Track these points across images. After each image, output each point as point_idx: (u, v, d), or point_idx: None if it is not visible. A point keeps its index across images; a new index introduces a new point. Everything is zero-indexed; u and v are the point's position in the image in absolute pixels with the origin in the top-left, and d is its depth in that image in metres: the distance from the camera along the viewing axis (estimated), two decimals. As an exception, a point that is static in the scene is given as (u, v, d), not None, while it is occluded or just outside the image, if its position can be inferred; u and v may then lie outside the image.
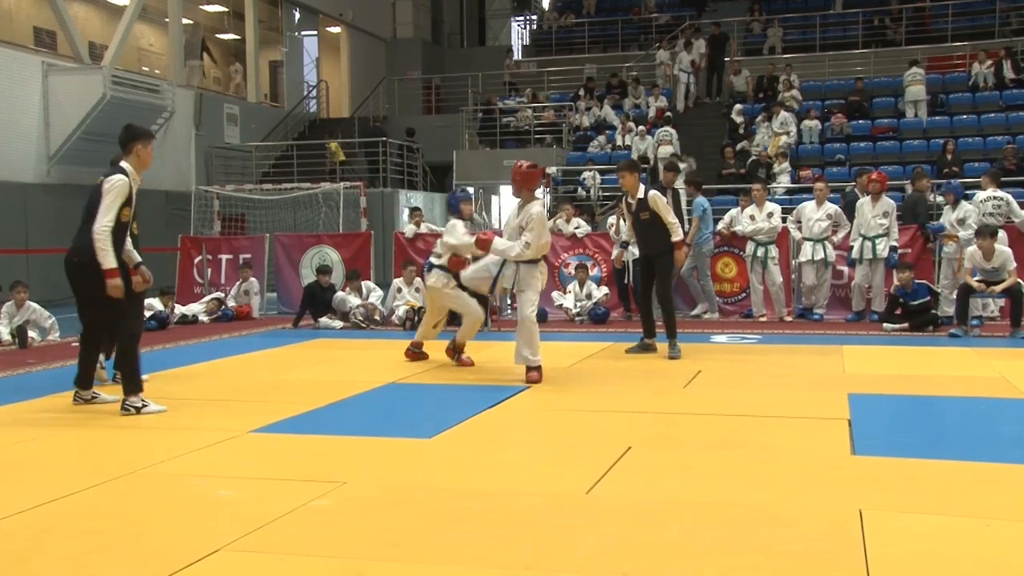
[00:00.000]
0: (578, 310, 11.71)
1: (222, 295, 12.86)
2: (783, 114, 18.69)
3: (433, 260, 8.24)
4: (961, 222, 10.89)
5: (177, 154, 19.56)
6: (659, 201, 8.43)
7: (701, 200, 11.74)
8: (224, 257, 13.86)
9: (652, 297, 8.89)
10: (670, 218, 8.44)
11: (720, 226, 11.91)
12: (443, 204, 22.07)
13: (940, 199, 12.22)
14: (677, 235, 8.45)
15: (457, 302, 8.20)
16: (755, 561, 3.39)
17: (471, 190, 7.90)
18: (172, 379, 7.67)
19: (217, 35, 24.03)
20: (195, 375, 7.97)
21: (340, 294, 11.92)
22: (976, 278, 9.89)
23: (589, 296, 11.73)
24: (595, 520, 3.89)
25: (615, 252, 9.19)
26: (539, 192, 7.78)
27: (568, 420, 6.04)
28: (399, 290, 12.01)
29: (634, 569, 3.33)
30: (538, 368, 7.23)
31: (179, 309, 12.20)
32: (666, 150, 18.55)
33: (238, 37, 23.74)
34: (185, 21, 20.93)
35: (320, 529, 3.79)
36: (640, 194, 8.48)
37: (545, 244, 7.41)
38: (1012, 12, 22.15)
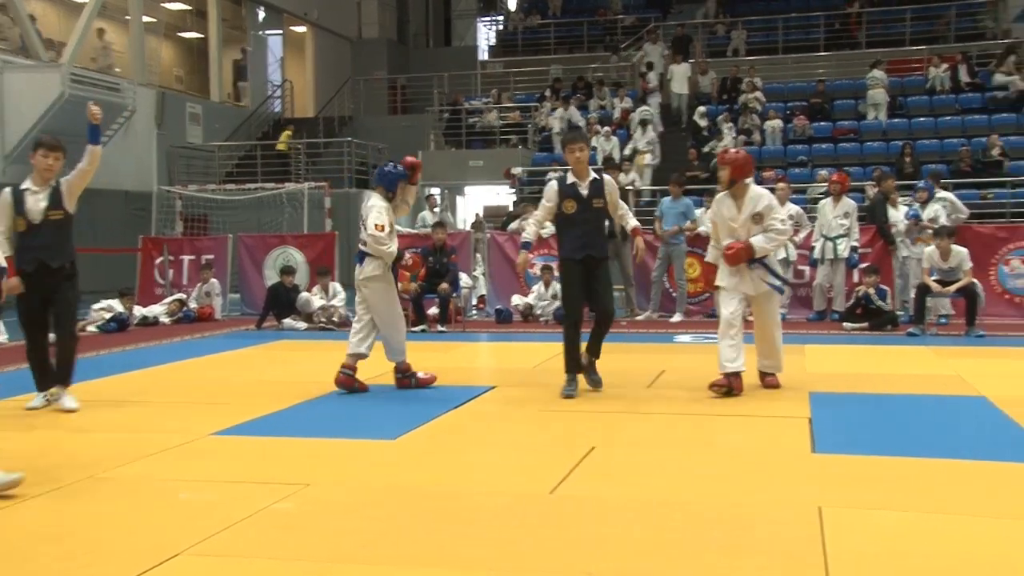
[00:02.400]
0: (540, 311, 11.79)
1: (184, 296, 12.72)
2: (649, 132, 18.67)
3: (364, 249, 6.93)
4: (933, 221, 11.04)
5: (138, 154, 19.30)
6: (616, 188, 7.08)
7: (688, 200, 12.04)
8: (186, 258, 13.71)
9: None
10: (620, 209, 7.12)
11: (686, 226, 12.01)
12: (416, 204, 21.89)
13: (901, 200, 12.39)
14: (634, 221, 7.22)
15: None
16: (717, 559, 3.42)
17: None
18: (132, 381, 7.57)
19: (179, 33, 23.75)
20: (156, 377, 7.87)
21: (305, 294, 11.83)
22: (933, 277, 10.07)
23: (555, 296, 11.76)
24: (559, 520, 3.91)
25: (521, 256, 7.37)
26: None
27: (532, 420, 6.06)
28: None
29: (598, 568, 3.34)
30: (731, 374, 6.59)
31: (139, 311, 12.05)
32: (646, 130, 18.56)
33: (200, 36, 23.48)
34: (146, 19, 20.65)
35: (283, 532, 3.77)
36: (593, 176, 6.85)
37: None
38: (965, 16, 22.57)
